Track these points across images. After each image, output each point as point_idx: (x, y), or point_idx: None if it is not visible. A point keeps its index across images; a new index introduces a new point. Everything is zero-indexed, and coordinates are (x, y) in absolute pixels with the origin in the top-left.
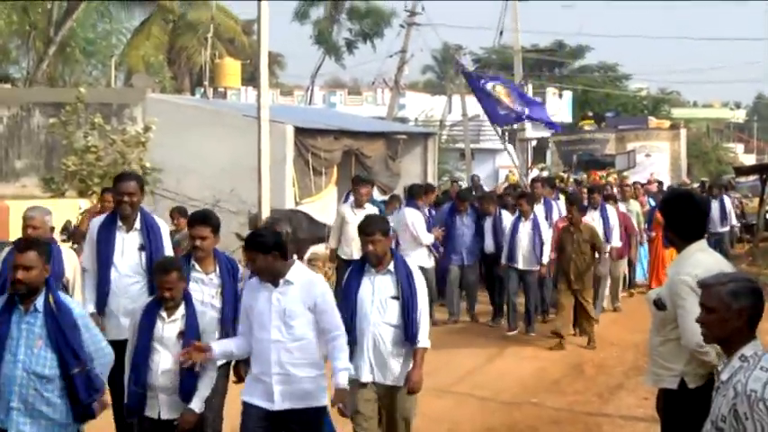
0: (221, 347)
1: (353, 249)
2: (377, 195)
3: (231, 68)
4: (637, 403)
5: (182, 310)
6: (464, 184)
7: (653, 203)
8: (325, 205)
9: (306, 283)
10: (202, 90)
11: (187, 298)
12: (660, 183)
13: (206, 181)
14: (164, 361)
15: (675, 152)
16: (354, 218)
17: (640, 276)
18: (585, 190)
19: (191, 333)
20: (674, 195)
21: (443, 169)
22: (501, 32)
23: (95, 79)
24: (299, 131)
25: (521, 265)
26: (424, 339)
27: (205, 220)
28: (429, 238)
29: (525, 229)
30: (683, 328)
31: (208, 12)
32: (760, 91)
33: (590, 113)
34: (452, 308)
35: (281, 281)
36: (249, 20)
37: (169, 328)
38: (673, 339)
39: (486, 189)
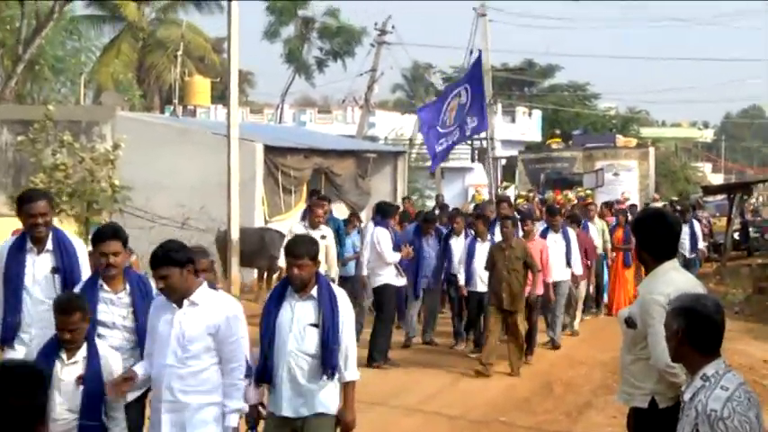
0: (143, 370)
1: None
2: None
3: (201, 86)
4: (606, 422)
5: (83, 351)
6: (431, 203)
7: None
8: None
9: (212, 306)
10: (172, 108)
11: (90, 338)
12: (633, 205)
13: (175, 199)
14: (59, 408)
15: (644, 171)
16: None
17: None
18: (545, 210)
19: (92, 378)
20: (646, 214)
21: (413, 188)
22: (471, 51)
23: (64, 97)
24: (269, 150)
25: (479, 288)
26: (351, 372)
27: (116, 234)
28: (394, 257)
29: (483, 250)
30: (653, 348)
31: (178, 30)
32: (728, 111)
33: (557, 131)
34: (408, 327)
35: (186, 301)
36: (219, 38)
37: (68, 371)
38: (643, 358)
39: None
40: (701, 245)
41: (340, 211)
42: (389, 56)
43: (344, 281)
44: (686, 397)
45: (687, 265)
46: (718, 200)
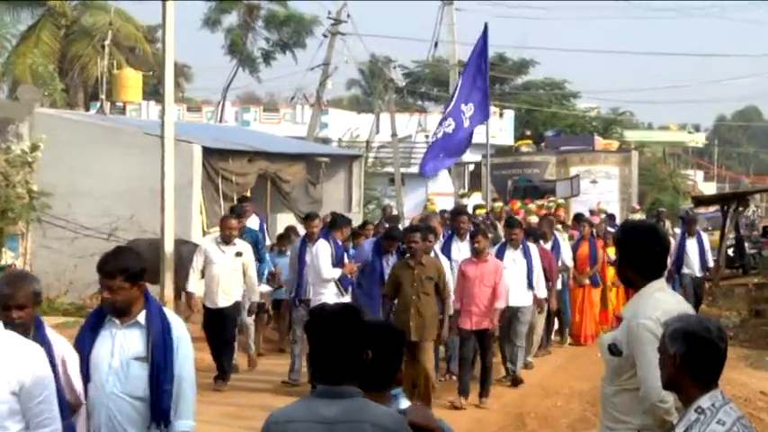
0: None
1: (220, 296)
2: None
3: (131, 80)
4: None
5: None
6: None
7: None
8: None
9: (9, 353)
10: (98, 104)
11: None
12: (612, 216)
13: (101, 207)
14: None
15: (626, 178)
16: (222, 257)
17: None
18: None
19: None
20: (635, 228)
21: (370, 196)
22: (436, 44)
23: None
24: (208, 152)
25: None
26: (184, 420)
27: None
28: (332, 273)
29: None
30: (643, 379)
31: (105, 16)
32: (721, 113)
33: (528, 133)
34: None
35: None
36: (152, 26)
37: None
38: (629, 389)
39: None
40: (711, 262)
41: (287, 221)
42: (344, 48)
43: (279, 304)
44: (679, 431)
45: (697, 286)
46: (711, 212)
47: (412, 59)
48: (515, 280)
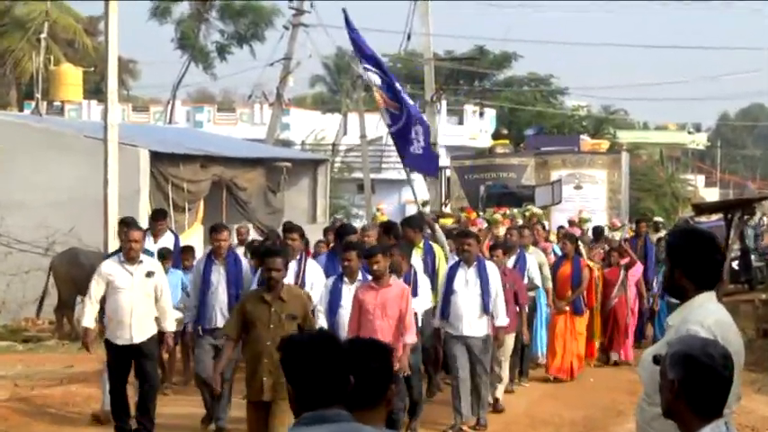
0: None
1: (134, 329)
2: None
3: (71, 77)
4: None
5: None
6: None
7: (559, 252)
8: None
9: None
10: (33, 104)
11: None
12: (598, 230)
13: (38, 219)
14: None
15: (614, 183)
16: (129, 280)
17: (537, 350)
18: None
19: None
20: (697, 234)
21: (337, 204)
22: (409, 36)
23: None
24: (157, 157)
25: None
26: None
27: None
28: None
29: (348, 294)
30: None
31: (41, 5)
32: (724, 111)
33: (504, 132)
34: None
35: None
36: (94, 17)
37: None
38: None
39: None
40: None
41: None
42: (307, 41)
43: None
44: None
45: None
46: (713, 220)
47: (382, 53)
48: (467, 305)
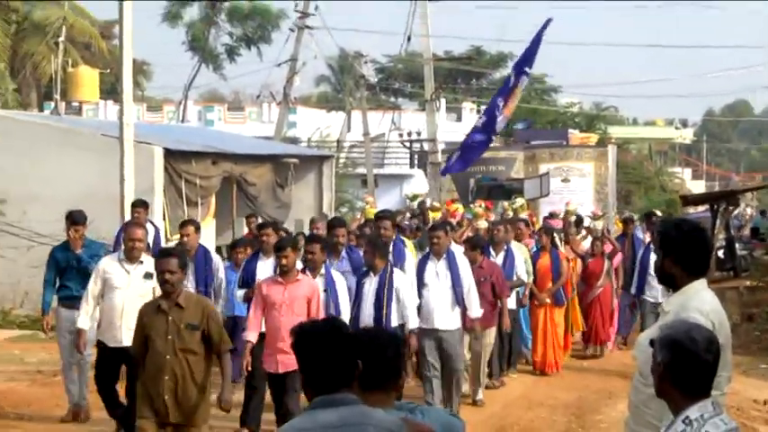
0: None
1: (124, 331)
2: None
3: (87, 79)
4: None
5: None
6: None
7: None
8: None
9: None
10: (53, 104)
11: None
12: (579, 218)
13: (57, 213)
14: None
15: (601, 177)
16: (126, 279)
17: (522, 346)
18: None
19: None
20: (689, 224)
21: (342, 198)
22: (409, 37)
23: None
24: (170, 154)
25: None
26: None
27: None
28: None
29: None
30: None
31: (59, 11)
32: (710, 107)
33: None
34: None
35: None
36: (109, 21)
37: None
38: None
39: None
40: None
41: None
42: (312, 43)
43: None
44: None
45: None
46: (700, 212)
47: (384, 54)
48: (437, 298)
